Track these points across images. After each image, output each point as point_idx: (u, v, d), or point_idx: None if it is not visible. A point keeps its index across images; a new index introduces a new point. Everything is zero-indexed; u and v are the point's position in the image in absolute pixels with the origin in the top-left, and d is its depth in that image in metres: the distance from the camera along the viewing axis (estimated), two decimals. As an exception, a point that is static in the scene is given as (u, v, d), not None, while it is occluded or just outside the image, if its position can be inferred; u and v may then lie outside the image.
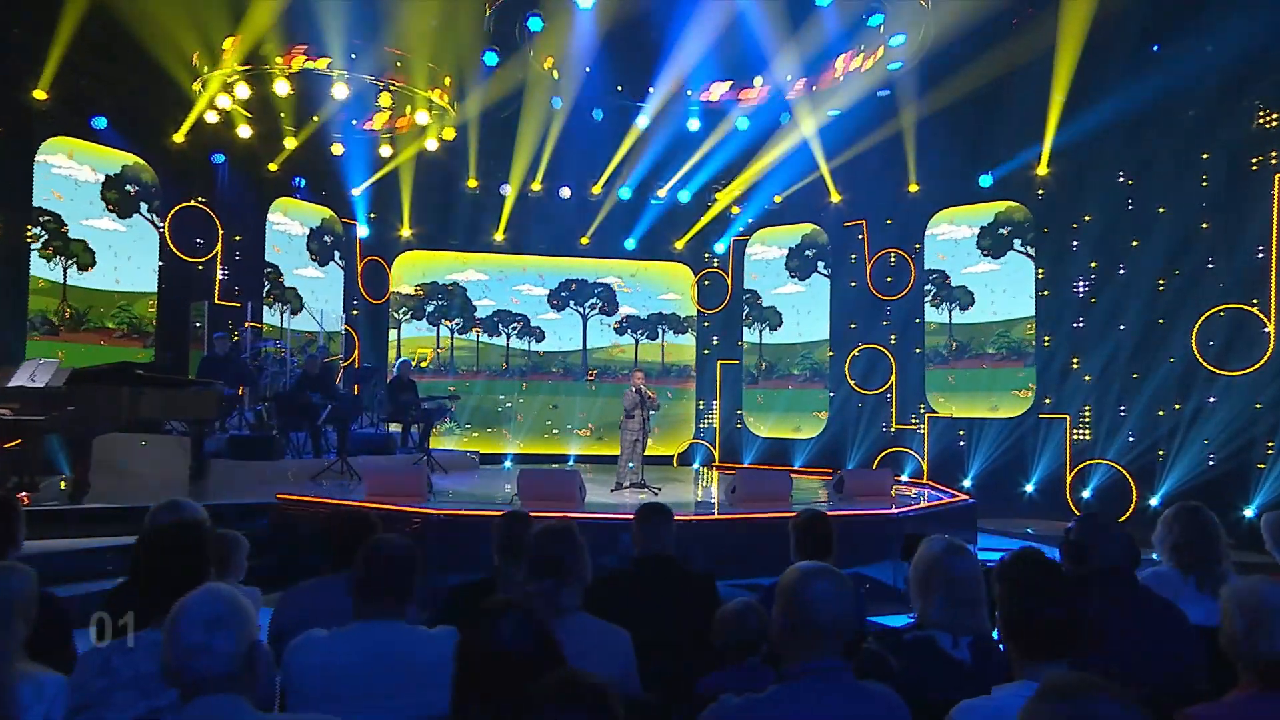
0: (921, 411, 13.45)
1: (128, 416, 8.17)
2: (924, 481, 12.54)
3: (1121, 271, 11.50)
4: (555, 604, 2.69)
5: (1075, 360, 11.87)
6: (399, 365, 12.59)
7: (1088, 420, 11.69)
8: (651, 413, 10.70)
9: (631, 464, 10.10)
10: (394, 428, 12.67)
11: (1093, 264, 11.83)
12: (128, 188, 11.74)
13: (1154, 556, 3.50)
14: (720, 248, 15.90)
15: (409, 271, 15.79)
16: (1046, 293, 12.46)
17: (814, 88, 13.35)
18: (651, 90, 13.62)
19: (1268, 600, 2.11)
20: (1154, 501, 10.68)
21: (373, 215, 15.06)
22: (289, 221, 14.12)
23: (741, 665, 2.90)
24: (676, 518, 3.82)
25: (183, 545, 2.55)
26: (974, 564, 2.63)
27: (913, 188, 13.66)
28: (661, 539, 3.70)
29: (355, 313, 15.09)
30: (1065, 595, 2.12)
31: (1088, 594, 2.69)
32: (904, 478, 13.00)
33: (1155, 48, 10.83)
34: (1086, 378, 11.77)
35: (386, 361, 14.90)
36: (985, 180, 12.85)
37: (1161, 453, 10.84)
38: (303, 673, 2.53)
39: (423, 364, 15.46)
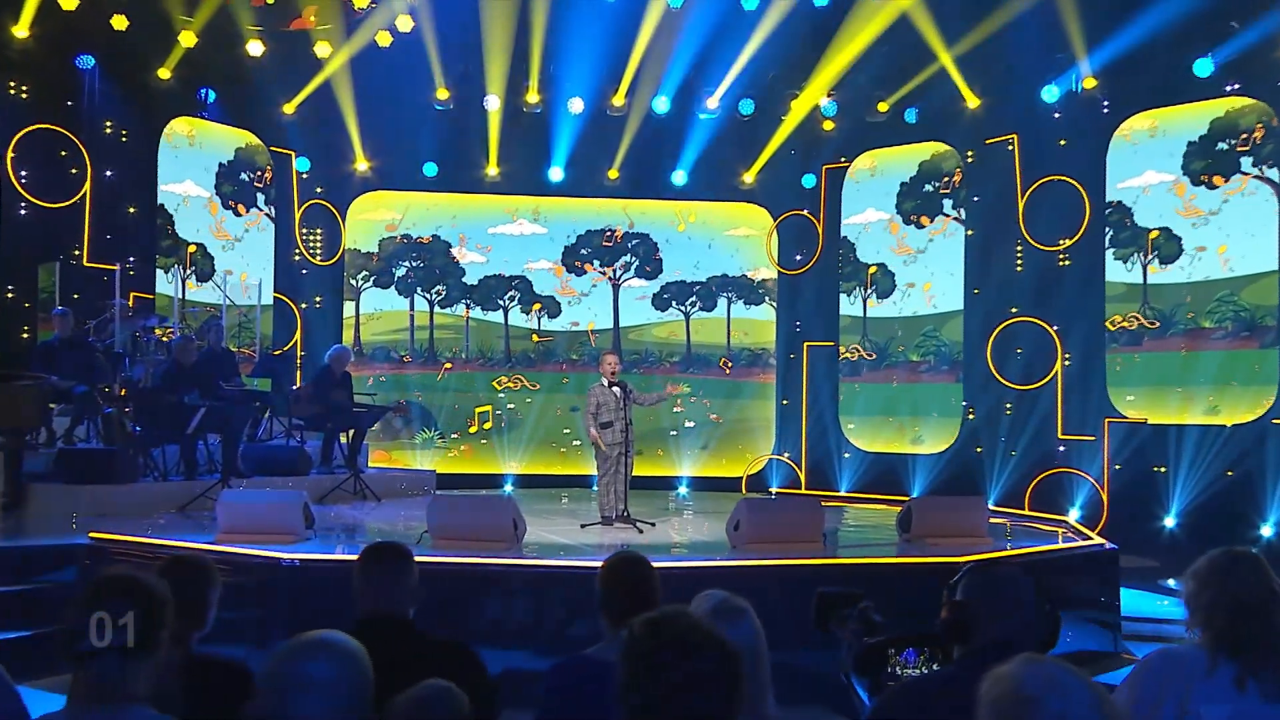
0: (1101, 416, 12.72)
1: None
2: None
3: None
4: (109, 689, 2.57)
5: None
6: (332, 355, 12.42)
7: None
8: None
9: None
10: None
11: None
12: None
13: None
14: (806, 180, 15.35)
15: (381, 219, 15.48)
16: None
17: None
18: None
19: (1025, 688, 2.04)
20: None
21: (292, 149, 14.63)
22: (198, 150, 13.75)
23: None
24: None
25: None
26: (750, 633, 2.76)
27: (1088, 83, 12.83)
28: (391, 594, 3.55)
29: (304, 272, 14.87)
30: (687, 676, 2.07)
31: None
32: (1076, 513, 12.42)
33: None
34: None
35: (343, 343, 14.71)
36: (1203, 67, 11.85)
37: None
38: None
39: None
